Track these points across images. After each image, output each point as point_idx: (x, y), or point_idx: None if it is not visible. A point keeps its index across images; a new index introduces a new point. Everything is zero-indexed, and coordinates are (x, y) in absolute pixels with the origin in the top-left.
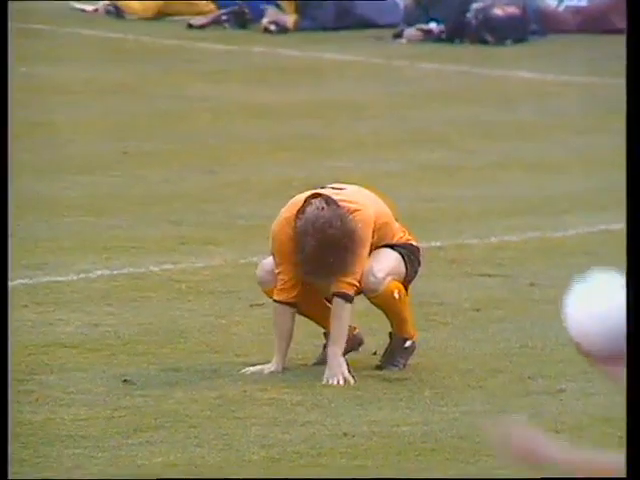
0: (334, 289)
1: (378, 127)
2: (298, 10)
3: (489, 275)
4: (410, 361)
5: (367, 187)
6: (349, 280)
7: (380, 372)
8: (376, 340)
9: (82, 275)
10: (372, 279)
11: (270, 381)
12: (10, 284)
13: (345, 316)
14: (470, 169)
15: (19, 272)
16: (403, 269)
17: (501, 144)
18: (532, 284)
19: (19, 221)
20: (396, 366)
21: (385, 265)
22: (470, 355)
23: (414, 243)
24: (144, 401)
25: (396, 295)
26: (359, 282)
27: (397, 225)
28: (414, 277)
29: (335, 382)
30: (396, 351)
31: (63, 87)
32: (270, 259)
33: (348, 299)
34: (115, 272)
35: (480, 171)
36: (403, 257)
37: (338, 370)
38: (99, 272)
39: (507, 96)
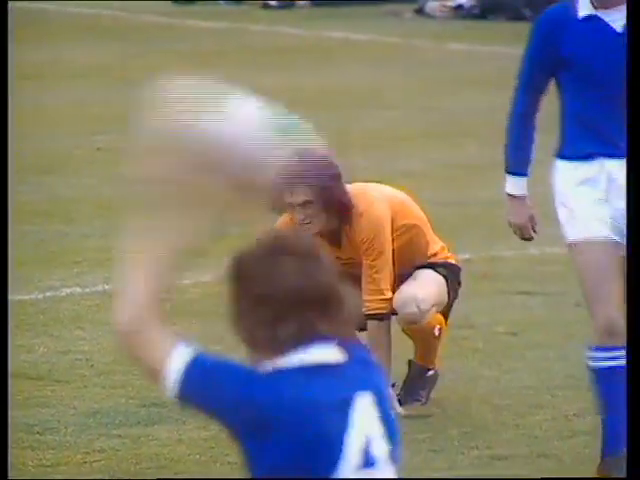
0: (365, 310)
1: (396, 118)
2: None
3: (527, 293)
4: (434, 394)
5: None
6: (380, 297)
7: (400, 405)
8: (395, 369)
9: (48, 293)
10: (414, 310)
11: None
12: None
13: (385, 340)
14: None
15: None
16: (446, 297)
17: (543, 138)
18: (578, 304)
19: None
20: (418, 400)
21: (430, 293)
22: (505, 387)
23: (454, 262)
24: (121, 443)
25: (436, 332)
26: (390, 295)
27: (433, 235)
28: (453, 304)
29: None
30: (417, 382)
31: (24, 71)
32: None
33: (384, 318)
34: (87, 290)
35: None
36: (447, 281)
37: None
38: (68, 290)
39: None
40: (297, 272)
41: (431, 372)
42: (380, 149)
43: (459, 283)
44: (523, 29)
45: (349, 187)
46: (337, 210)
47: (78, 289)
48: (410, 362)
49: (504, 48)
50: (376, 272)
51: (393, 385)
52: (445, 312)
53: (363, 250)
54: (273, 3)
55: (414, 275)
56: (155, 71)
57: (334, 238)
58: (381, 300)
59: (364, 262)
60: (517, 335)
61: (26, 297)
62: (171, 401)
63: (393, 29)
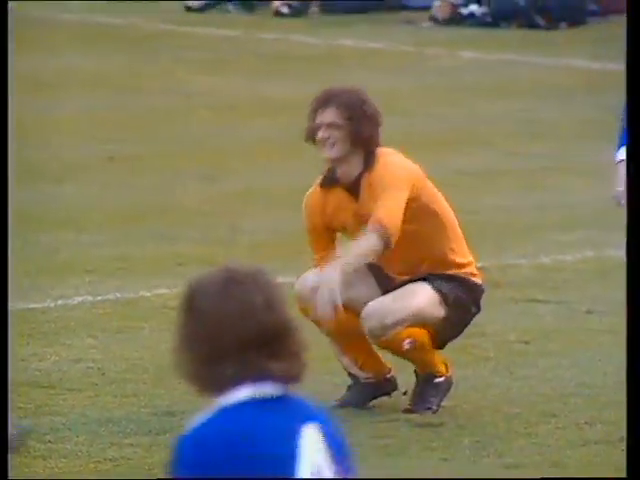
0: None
1: (408, 126)
2: None
3: (539, 301)
4: (446, 402)
5: None
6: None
7: (411, 416)
8: (406, 377)
9: (60, 302)
10: (374, 324)
11: None
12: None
13: (366, 245)
14: (517, 175)
15: None
16: (437, 314)
17: (553, 145)
18: (589, 311)
19: None
20: (429, 409)
21: (404, 307)
22: (517, 396)
23: (476, 281)
24: (133, 452)
25: (406, 345)
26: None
27: (462, 246)
28: (462, 329)
29: (321, 310)
30: (426, 390)
31: (34, 80)
32: (311, 274)
33: (381, 235)
34: (99, 298)
35: (528, 177)
36: (444, 298)
37: (325, 288)
38: (80, 298)
39: (561, 89)
40: (244, 311)
41: (440, 379)
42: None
43: (476, 306)
44: (535, 37)
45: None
46: (363, 148)
47: (90, 297)
48: (415, 371)
49: (516, 56)
50: (380, 201)
51: (404, 393)
52: (436, 332)
53: (375, 194)
54: (285, 11)
55: (405, 287)
56: (167, 79)
57: (353, 188)
58: (383, 226)
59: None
60: (529, 343)
61: (38, 305)
62: (182, 410)
63: (406, 37)
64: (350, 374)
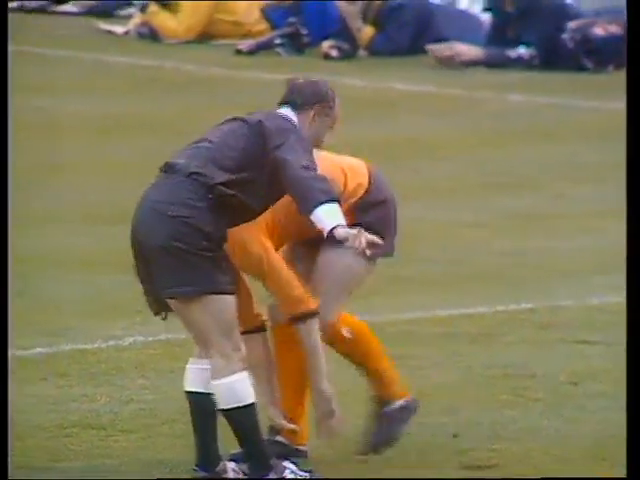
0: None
1: (455, 169)
2: (377, 24)
3: (587, 342)
4: (496, 445)
5: (445, 238)
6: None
7: (462, 459)
8: (457, 419)
9: (111, 342)
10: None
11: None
12: (20, 353)
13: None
14: (563, 217)
15: (36, 339)
16: (351, 284)
17: (600, 188)
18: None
19: (36, 279)
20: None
21: (328, 297)
22: (567, 438)
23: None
24: None
25: (346, 334)
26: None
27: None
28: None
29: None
30: (388, 419)
31: (88, 124)
32: None
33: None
34: (150, 339)
35: (575, 220)
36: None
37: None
38: (132, 338)
39: (607, 133)
40: None
41: (400, 402)
42: (439, 199)
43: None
44: (583, 80)
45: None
46: None
47: (141, 338)
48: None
49: (564, 99)
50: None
51: (455, 436)
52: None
53: None
54: (334, 54)
55: (316, 271)
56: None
57: None
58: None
59: None
60: (578, 384)
61: (88, 346)
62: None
63: (455, 80)
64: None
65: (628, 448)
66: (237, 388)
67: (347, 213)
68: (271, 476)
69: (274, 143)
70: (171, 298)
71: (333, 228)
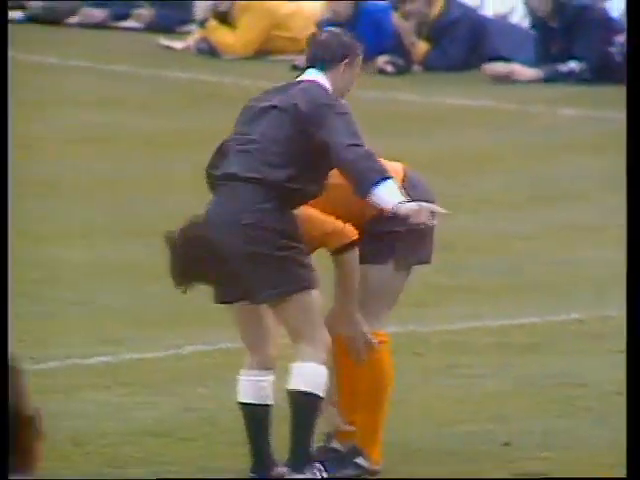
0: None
1: (507, 182)
2: (431, 39)
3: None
4: (547, 453)
5: (496, 250)
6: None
7: (512, 467)
8: (508, 429)
9: (172, 351)
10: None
11: None
12: (82, 361)
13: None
14: (612, 228)
15: (97, 348)
16: (395, 286)
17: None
18: None
19: (96, 289)
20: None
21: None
22: (618, 447)
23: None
24: None
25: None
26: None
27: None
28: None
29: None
30: (345, 459)
31: (148, 139)
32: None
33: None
34: (210, 347)
35: (624, 230)
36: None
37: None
38: (191, 347)
39: None
40: None
41: (362, 461)
42: (493, 211)
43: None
44: None
45: None
46: None
47: (201, 347)
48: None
49: (615, 113)
50: None
51: (506, 444)
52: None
53: None
54: (389, 69)
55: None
56: None
57: None
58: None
59: None
60: None
61: (149, 355)
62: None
63: (508, 94)
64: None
65: (628, 448)
66: (319, 375)
67: (379, 217)
68: (307, 474)
69: (314, 125)
70: (263, 303)
71: (395, 206)
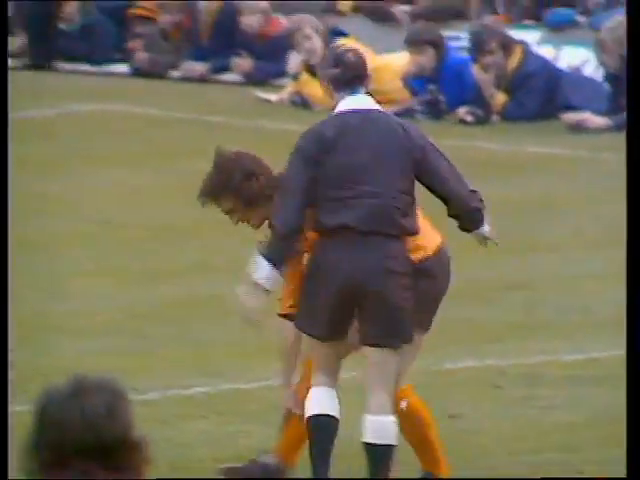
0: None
1: (581, 225)
2: (509, 91)
3: None
4: None
5: (569, 289)
6: None
7: None
8: (581, 458)
9: (264, 382)
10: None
11: None
12: (181, 392)
13: None
14: None
15: (196, 379)
16: (398, 374)
17: None
18: None
19: (194, 324)
20: None
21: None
22: None
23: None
24: None
25: (403, 406)
26: None
27: None
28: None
29: None
30: None
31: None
32: None
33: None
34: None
35: None
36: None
37: None
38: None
39: None
40: (84, 421)
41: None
42: (565, 253)
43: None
44: None
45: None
46: (262, 200)
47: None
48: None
49: None
50: None
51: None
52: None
53: None
54: (469, 119)
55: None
56: None
57: None
58: None
59: None
60: None
61: (243, 386)
62: None
63: (579, 143)
64: None
65: (628, 448)
66: (396, 428)
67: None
68: None
69: (426, 167)
70: (372, 346)
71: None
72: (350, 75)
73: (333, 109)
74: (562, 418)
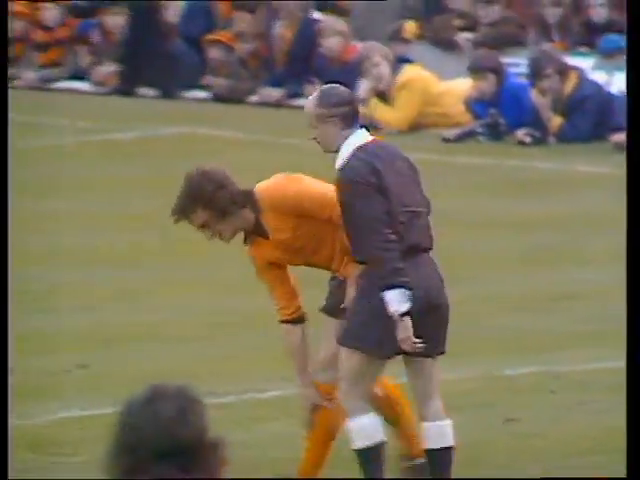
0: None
1: (619, 239)
2: (564, 114)
3: None
4: None
5: (618, 299)
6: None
7: None
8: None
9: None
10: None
11: None
12: (256, 396)
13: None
14: None
15: (272, 384)
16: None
17: None
18: None
19: (267, 332)
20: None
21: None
22: None
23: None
24: None
25: (379, 393)
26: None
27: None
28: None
29: None
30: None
31: None
32: None
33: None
34: None
35: None
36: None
37: None
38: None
39: None
40: (158, 425)
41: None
42: (612, 265)
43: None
44: None
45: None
46: (234, 209)
47: None
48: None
49: None
50: None
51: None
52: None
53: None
54: (527, 140)
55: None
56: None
57: (260, 230)
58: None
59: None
60: None
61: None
62: None
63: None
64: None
65: (628, 448)
66: (452, 429)
67: None
68: None
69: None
70: (439, 354)
71: None
72: (357, 111)
73: (338, 148)
74: (614, 422)
